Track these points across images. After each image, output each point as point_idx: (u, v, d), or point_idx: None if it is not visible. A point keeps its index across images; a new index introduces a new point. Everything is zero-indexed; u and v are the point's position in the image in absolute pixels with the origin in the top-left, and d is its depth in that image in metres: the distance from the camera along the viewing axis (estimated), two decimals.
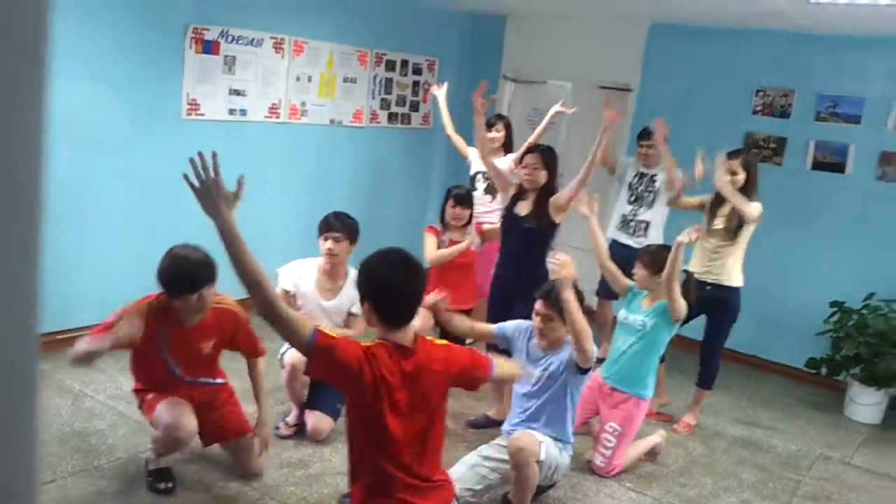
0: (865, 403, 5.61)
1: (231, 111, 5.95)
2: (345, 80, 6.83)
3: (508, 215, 4.68)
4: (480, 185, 5.94)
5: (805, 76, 6.16)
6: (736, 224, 4.89)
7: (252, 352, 3.88)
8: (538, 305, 3.79)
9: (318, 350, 2.32)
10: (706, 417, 5.34)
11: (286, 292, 4.37)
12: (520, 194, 4.67)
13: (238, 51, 5.89)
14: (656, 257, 4.38)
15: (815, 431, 5.38)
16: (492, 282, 4.83)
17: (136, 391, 3.88)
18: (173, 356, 3.68)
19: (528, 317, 4.05)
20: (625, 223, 5.81)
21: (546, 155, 4.61)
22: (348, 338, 2.46)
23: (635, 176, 5.80)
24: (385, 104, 7.26)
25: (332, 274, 4.44)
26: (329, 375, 2.41)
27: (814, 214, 6.20)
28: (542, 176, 4.56)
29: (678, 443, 4.93)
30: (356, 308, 4.18)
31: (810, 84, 6.14)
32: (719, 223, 4.97)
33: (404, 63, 7.37)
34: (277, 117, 6.32)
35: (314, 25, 6.43)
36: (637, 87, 6.99)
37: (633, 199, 5.77)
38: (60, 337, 5.22)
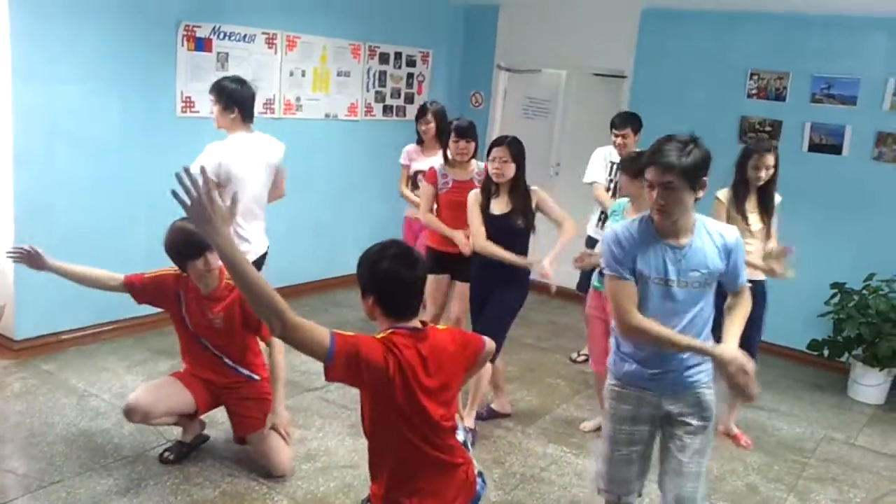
0: (868, 384, 5.63)
1: None
2: (339, 73, 6.81)
3: (488, 217, 4.36)
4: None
5: (799, 58, 6.16)
6: (768, 219, 4.61)
7: (261, 332, 3.84)
8: (650, 173, 2.72)
9: (342, 355, 2.23)
10: None
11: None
12: (489, 191, 4.39)
13: (231, 47, 5.87)
14: (636, 161, 4.06)
15: (819, 413, 5.40)
16: (475, 277, 4.53)
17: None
18: (192, 322, 3.86)
19: (503, 307, 4.30)
20: (602, 220, 5.47)
21: (513, 146, 4.31)
22: (360, 334, 2.36)
23: (610, 167, 5.51)
24: (380, 97, 7.24)
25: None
26: (355, 378, 2.31)
27: (811, 196, 6.19)
28: (511, 169, 4.28)
29: None
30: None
31: (805, 66, 6.14)
32: (754, 222, 4.57)
33: (398, 55, 7.35)
34: (272, 113, 6.30)
35: (306, 20, 6.41)
36: (631, 74, 6.98)
37: (610, 193, 5.46)
38: (65, 337, 5.25)
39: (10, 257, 3.69)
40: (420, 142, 5.65)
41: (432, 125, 5.50)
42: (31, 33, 4.77)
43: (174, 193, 2.04)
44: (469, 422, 4.48)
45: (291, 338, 2.17)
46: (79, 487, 3.66)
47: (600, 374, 4.43)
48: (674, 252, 2.78)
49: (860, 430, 5.18)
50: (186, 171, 2.06)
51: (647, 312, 2.81)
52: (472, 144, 4.80)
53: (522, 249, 4.37)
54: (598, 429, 4.37)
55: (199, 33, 5.64)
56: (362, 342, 2.29)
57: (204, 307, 3.81)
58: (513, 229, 4.30)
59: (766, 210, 4.61)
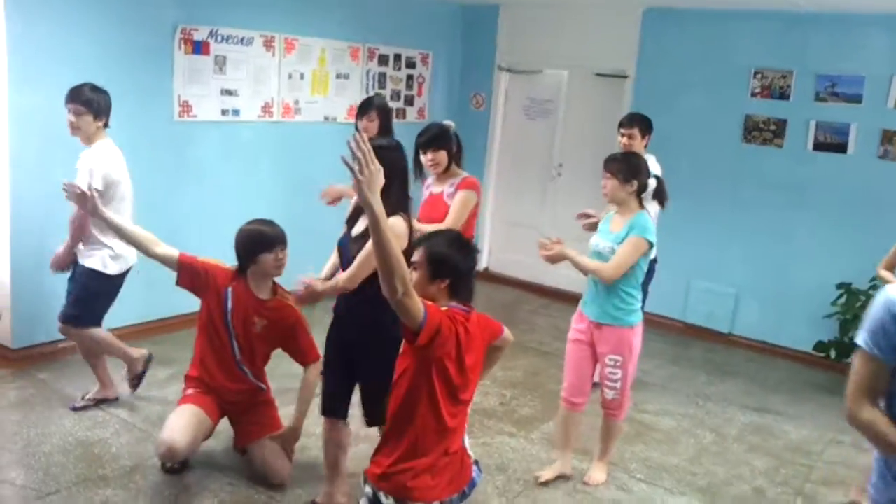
0: None
1: (224, 111, 5.89)
2: (337, 76, 6.76)
3: (344, 235, 3.57)
4: None
5: (803, 56, 6.10)
6: None
7: (305, 355, 3.93)
8: None
9: (432, 324, 2.42)
10: (715, 405, 5.30)
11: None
12: (359, 210, 3.50)
13: (228, 50, 5.82)
14: (626, 163, 3.86)
15: (827, 416, 5.33)
16: (332, 323, 3.63)
17: (186, 377, 4.01)
18: (234, 320, 3.81)
19: (384, 366, 2.84)
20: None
21: (380, 152, 2.97)
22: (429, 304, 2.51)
23: None
24: None
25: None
26: (429, 344, 2.46)
27: (816, 196, 6.14)
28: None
29: (687, 431, 4.88)
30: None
31: (809, 64, 6.08)
32: None
33: (397, 57, 7.30)
34: (271, 116, 6.25)
35: (304, 22, 6.35)
36: (633, 74, 6.93)
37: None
38: (62, 346, 5.19)
39: (65, 191, 3.75)
40: None
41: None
42: (27, 37, 4.72)
43: (344, 159, 2.27)
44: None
45: (404, 303, 2.34)
46: (76, 497, 3.61)
47: (573, 410, 4.13)
48: None
49: None
50: (357, 140, 2.26)
51: None
52: (440, 154, 4.18)
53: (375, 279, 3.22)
54: (559, 477, 4.15)
55: (197, 36, 5.59)
56: (443, 314, 2.51)
57: (250, 309, 3.80)
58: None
59: None
